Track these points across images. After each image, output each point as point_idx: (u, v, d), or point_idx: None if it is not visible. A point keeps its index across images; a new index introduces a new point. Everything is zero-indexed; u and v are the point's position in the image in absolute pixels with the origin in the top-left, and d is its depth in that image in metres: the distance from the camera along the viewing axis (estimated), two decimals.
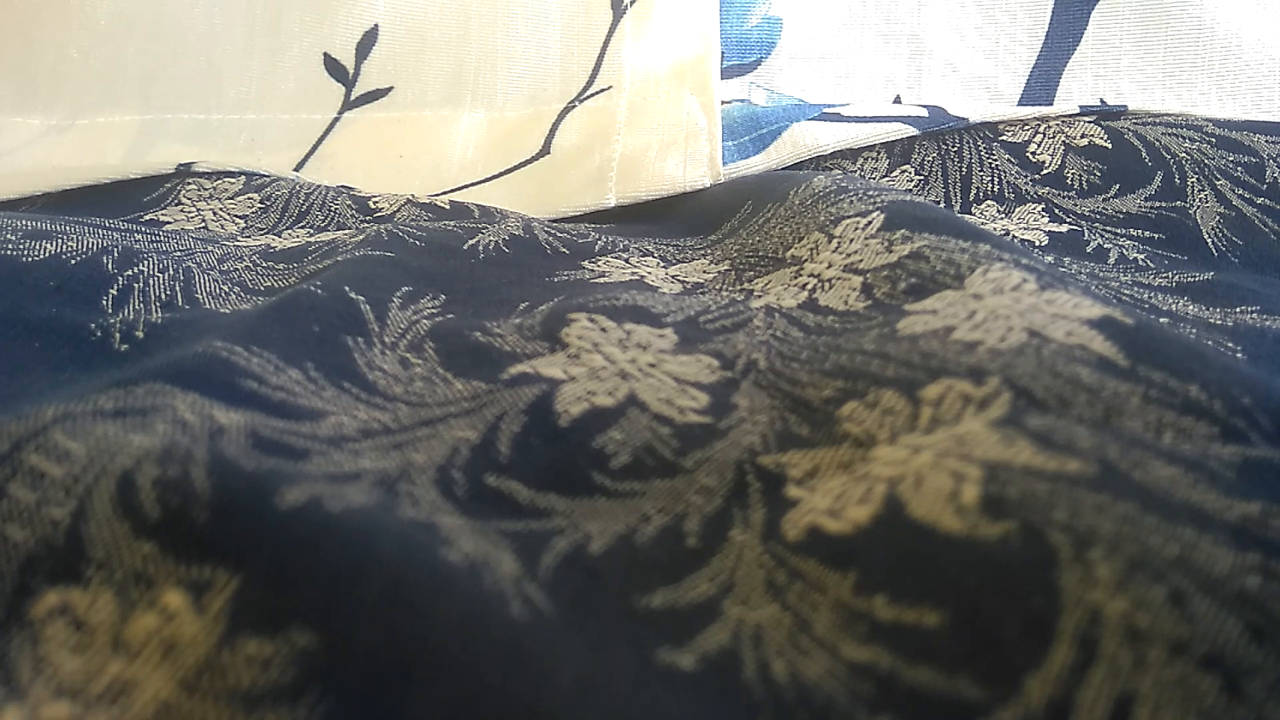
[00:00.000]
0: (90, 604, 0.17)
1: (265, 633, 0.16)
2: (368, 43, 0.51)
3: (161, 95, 0.51)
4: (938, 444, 0.21)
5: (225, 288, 0.34)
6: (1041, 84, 0.54)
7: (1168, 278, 0.35)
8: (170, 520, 0.18)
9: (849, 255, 0.32)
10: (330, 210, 0.42)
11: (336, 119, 0.50)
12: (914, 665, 0.16)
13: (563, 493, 0.22)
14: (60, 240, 0.33)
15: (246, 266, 0.35)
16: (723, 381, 0.26)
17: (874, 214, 0.33)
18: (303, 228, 0.41)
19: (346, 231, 0.39)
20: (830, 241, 0.33)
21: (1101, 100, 0.53)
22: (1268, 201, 0.40)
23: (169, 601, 0.17)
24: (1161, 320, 0.31)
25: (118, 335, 0.29)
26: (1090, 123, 0.45)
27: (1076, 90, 0.54)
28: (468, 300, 0.31)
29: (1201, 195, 0.40)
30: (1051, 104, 0.54)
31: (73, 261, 0.32)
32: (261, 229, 0.41)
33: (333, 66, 0.51)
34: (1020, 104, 0.54)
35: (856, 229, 0.33)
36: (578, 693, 0.16)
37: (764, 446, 0.23)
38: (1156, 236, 0.38)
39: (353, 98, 0.51)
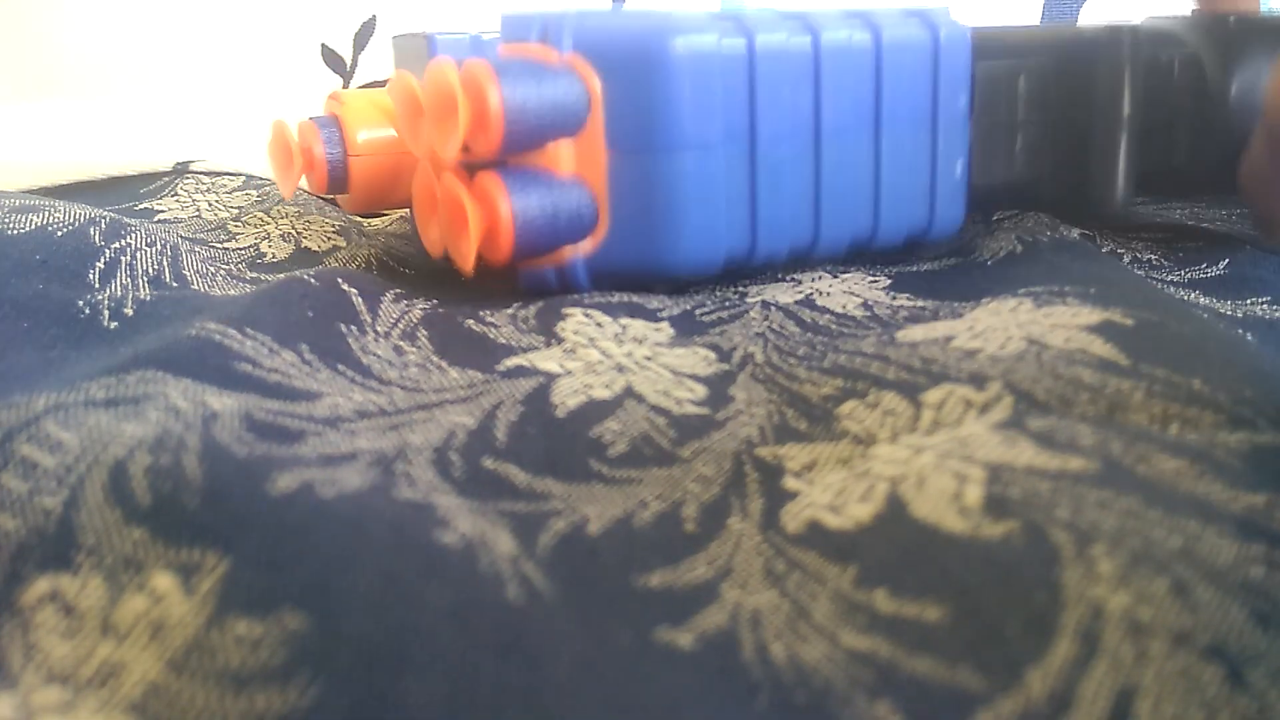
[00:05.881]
0: (80, 589, 0.17)
1: (255, 614, 0.16)
2: (365, 33, 0.51)
3: (158, 85, 0.51)
4: (940, 445, 0.21)
5: (212, 269, 0.34)
6: None
7: (1180, 275, 0.35)
8: (161, 506, 0.18)
9: (851, 286, 0.33)
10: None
11: None
12: (914, 655, 0.16)
13: (560, 478, 0.22)
14: (46, 213, 0.32)
15: (232, 268, 0.35)
16: (719, 374, 0.26)
17: (881, 278, 0.34)
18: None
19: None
20: (835, 277, 0.34)
21: None
22: None
23: (158, 584, 0.17)
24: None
25: (106, 313, 0.29)
26: None
27: None
28: (460, 303, 0.31)
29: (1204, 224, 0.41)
30: None
31: (59, 234, 0.32)
32: (258, 210, 0.40)
33: (330, 57, 0.51)
34: None
35: (862, 279, 0.34)
36: (575, 676, 0.16)
37: (761, 438, 0.23)
38: (1168, 236, 0.39)
39: (350, 89, 0.50)
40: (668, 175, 0.30)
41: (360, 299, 0.29)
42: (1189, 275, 0.35)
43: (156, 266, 0.32)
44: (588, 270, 0.32)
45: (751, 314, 0.30)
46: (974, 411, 0.22)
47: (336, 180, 0.35)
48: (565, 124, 0.30)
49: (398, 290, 0.31)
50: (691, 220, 0.31)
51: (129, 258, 0.32)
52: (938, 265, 0.36)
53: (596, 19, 0.31)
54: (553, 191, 0.30)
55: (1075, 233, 0.35)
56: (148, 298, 0.30)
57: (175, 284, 0.32)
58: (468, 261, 0.30)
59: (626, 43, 0.30)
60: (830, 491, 0.21)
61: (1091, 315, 0.25)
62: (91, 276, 0.30)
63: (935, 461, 0.20)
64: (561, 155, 0.31)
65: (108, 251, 0.32)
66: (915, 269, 0.35)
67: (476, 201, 0.29)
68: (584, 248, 0.31)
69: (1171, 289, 0.34)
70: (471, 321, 0.29)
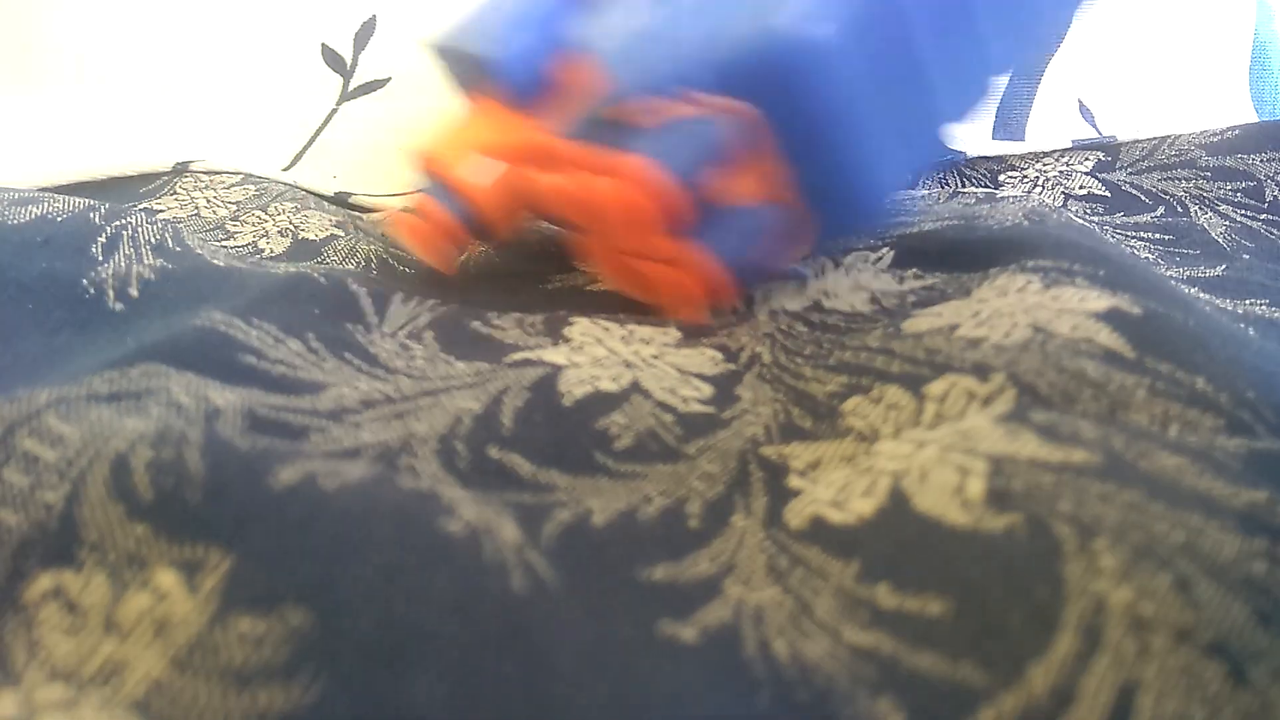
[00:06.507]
0: (83, 586, 0.17)
1: (258, 611, 0.16)
2: (365, 33, 0.51)
3: (159, 84, 0.51)
4: (942, 438, 0.20)
5: (214, 246, 0.34)
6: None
7: (1179, 272, 0.35)
8: (163, 501, 0.18)
9: (858, 277, 0.32)
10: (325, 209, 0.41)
11: (335, 110, 0.50)
12: (916, 651, 0.16)
13: (565, 470, 0.22)
14: (45, 204, 0.32)
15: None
16: (726, 373, 0.26)
17: (884, 250, 0.33)
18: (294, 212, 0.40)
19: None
20: (838, 267, 0.33)
21: (1080, 101, 0.52)
22: (1270, 217, 0.40)
23: (161, 581, 0.17)
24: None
25: (112, 292, 0.28)
26: (1086, 174, 0.45)
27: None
28: (465, 306, 0.31)
29: (1206, 216, 0.41)
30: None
31: (60, 219, 0.31)
32: (255, 208, 0.40)
33: (330, 57, 0.51)
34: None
35: (866, 260, 0.33)
36: (578, 668, 0.16)
37: (766, 437, 0.23)
38: (1167, 238, 0.39)
39: (351, 89, 0.50)
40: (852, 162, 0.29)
41: (369, 300, 0.29)
42: (1188, 273, 0.35)
43: (159, 236, 0.31)
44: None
45: (760, 317, 0.30)
46: (976, 404, 0.22)
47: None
48: (729, 160, 0.29)
49: (403, 293, 0.31)
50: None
51: (130, 232, 0.31)
52: (939, 225, 0.35)
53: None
54: (750, 221, 0.30)
55: (1078, 221, 0.35)
56: (152, 277, 0.29)
57: (179, 249, 0.31)
58: (703, 315, 0.30)
59: (744, 61, 0.28)
60: (833, 488, 0.21)
61: (1100, 300, 0.25)
62: (94, 250, 0.30)
63: (938, 455, 0.20)
64: (744, 183, 0.29)
65: (108, 228, 0.31)
66: (916, 230, 0.34)
67: (686, 272, 0.29)
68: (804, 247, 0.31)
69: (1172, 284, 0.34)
70: (478, 324, 0.29)
